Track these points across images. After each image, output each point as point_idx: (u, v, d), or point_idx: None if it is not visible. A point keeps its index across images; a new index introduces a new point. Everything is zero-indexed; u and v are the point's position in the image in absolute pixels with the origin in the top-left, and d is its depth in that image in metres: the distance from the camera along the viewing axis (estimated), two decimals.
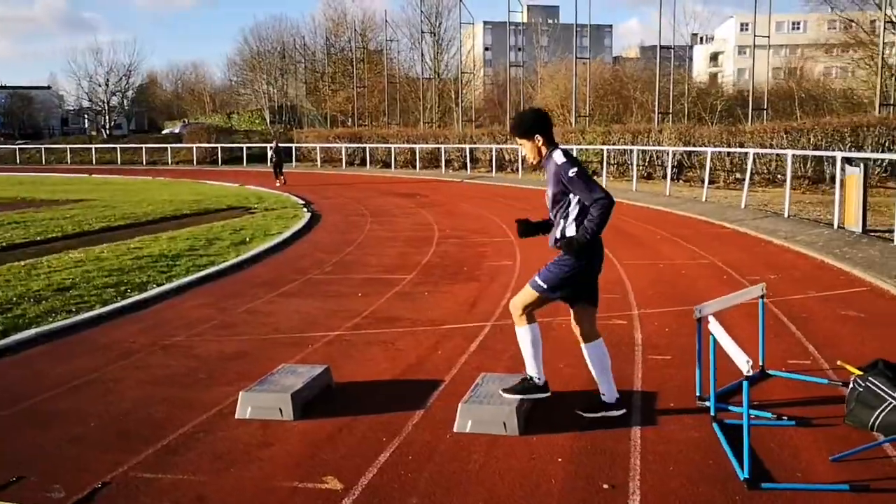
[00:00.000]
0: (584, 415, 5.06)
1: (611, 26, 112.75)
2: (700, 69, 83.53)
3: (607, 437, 4.76)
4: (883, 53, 24.45)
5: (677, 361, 6.33)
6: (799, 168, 22.96)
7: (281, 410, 5.17)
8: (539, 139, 4.92)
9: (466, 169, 35.04)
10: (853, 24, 31.02)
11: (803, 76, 36.53)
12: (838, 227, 13.12)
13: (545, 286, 4.93)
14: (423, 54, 47.68)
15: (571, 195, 4.84)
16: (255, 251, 12.54)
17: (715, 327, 4.77)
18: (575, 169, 4.76)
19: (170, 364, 6.53)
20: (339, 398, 5.58)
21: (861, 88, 27.72)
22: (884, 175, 21.33)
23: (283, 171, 30.62)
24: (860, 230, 12.50)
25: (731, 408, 5.16)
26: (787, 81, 33.36)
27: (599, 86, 35.80)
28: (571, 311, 5.16)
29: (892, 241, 11.30)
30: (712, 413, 4.95)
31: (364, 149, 41.43)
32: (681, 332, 7.26)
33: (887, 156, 19.35)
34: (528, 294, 5.02)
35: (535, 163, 5.03)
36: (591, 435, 4.78)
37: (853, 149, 21.58)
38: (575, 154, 5.02)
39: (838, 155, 14.28)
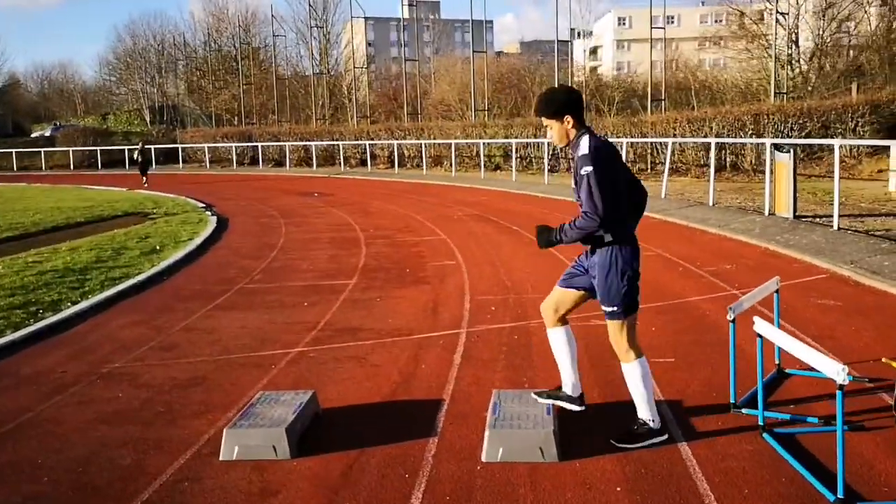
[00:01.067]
0: (622, 445, 4.51)
1: (492, 22, 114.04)
2: (580, 63, 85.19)
3: (656, 457, 4.26)
4: (776, 43, 25.15)
5: (683, 363, 5.94)
6: (701, 157, 23.35)
7: (275, 448, 4.45)
8: (569, 121, 4.38)
9: (367, 166, 34.25)
10: (741, 15, 31.88)
11: (697, 68, 37.43)
12: (769, 213, 13.16)
13: (622, 310, 4.40)
14: (311, 49, 46.48)
15: None
16: (171, 260, 11.52)
17: (766, 328, 4.35)
18: (590, 168, 4.21)
19: (117, 396, 5.67)
20: (332, 428, 4.90)
21: (753, 78, 28.53)
22: None
23: (149, 172, 29.57)
24: (791, 216, 12.56)
25: (774, 415, 4.76)
26: (672, 72, 34.09)
27: (496, 79, 35.63)
28: (560, 293, 4.63)
29: (832, 226, 11.36)
30: (761, 423, 4.53)
31: (255, 148, 39.99)
32: (669, 331, 6.90)
33: (817, 141, 19.84)
34: (615, 329, 4.46)
35: (561, 146, 4.50)
36: (637, 456, 4.28)
37: (754, 135, 22.08)
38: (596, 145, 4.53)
39: (767, 141, 14.38)
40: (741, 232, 11.95)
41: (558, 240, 4.42)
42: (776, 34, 25.44)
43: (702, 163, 23.35)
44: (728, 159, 23.34)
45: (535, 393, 4.76)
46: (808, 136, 21.41)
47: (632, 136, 24.90)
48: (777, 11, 24.51)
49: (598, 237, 4.37)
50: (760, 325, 4.40)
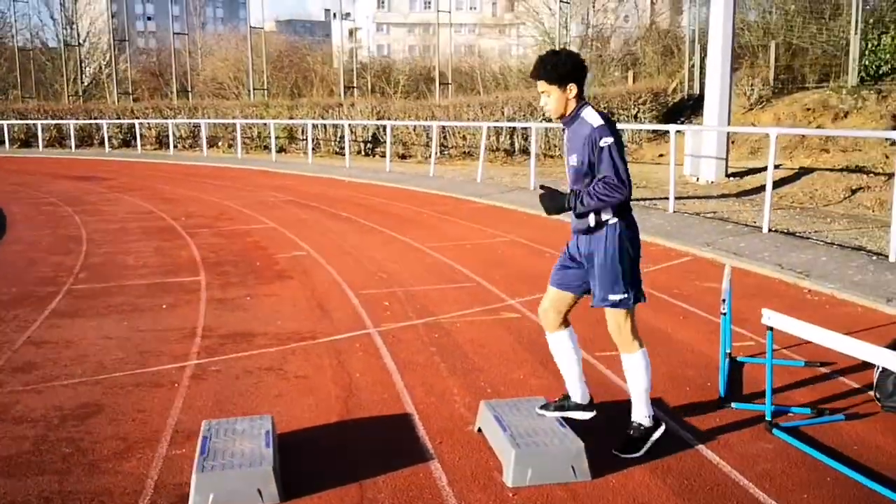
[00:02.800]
0: (628, 456, 4.16)
1: None
2: (339, 45, 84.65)
3: (686, 465, 4.00)
4: (558, 30, 26.10)
5: None
6: (494, 141, 23.80)
7: (260, 493, 3.69)
8: (572, 89, 3.96)
9: (131, 147, 31.68)
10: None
11: (479, 53, 38.14)
12: None
13: (627, 296, 4.02)
14: (61, 17, 42.11)
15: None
16: None
17: (784, 321, 4.20)
18: (611, 140, 3.85)
19: None
20: (298, 457, 4.18)
21: (529, 64, 29.37)
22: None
23: None
24: None
25: (777, 408, 4.63)
26: (459, 57, 34.51)
27: (274, 57, 34.20)
28: (554, 296, 4.27)
29: (667, 209, 11.83)
30: (768, 418, 4.39)
31: None
32: (591, 321, 6.65)
33: (652, 126, 20.72)
34: (619, 317, 4.06)
35: (556, 118, 4.06)
36: (665, 465, 4.00)
37: (544, 120, 22.78)
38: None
39: None
40: None
41: (571, 206, 3.98)
42: (557, 22, 26.42)
43: (494, 147, 23.80)
44: (518, 143, 23.97)
45: (540, 408, 4.30)
46: None
47: (419, 119, 24.88)
48: (561, 0, 25.44)
49: (597, 221, 4.00)
50: (773, 318, 4.25)
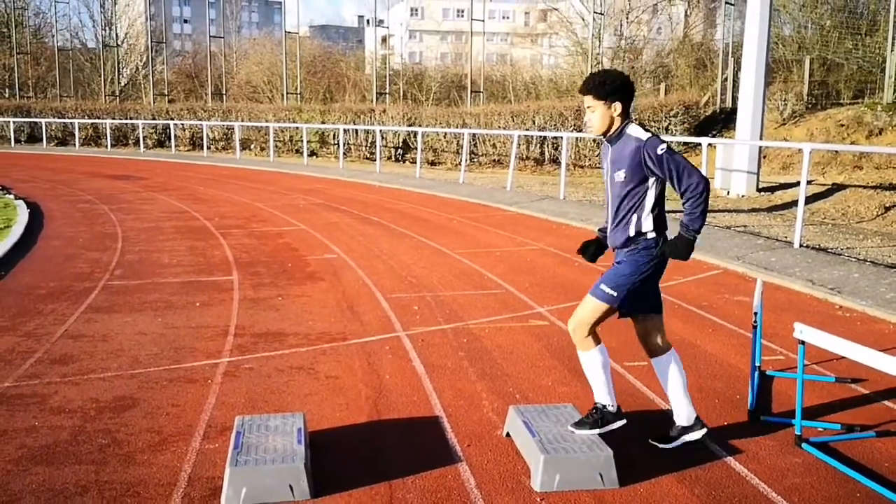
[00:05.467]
0: (661, 446, 4.28)
1: (280, 3, 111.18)
2: (372, 51, 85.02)
3: (714, 476, 4.02)
4: (591, 41, 26.12)
5: None
6: (524, 150, 23.83)
7: (292, 488, 3.76)
8: (618, 107, 4.06)
9: (164, 147, 32.08)
10: (547, 12, 32.88)
11: (511, 62, 38.21)
12: None
13: (615, 294, 4.10)
14: (100, 18, 42.82)
15: (651, 180, 4.02)
16: (0, 252, 9.98)
17: (817, 336, 4.20)
18: (664, 146, 3.97)
19: (33, 426, 4.64)
20: (328, 455, 4.24)
21: (564, 74, 29.52)
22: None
23: None
24: None
25: (808, 423, 4.62)
26: (491, 66, 34.63)
27: (308, 62, 34.51)
28: (636, 326, 4.33)
29: None
30: (798, 432, 4.39)
31: (37, 124, 36.25)
32: (615, 330, 6.70)
33: (686, 139, 20.58)
34: (593, 307, 4.14)
35: (598, 134, 4.14)
36: (693, 475, 4.02)
37: (574, 130, 22.79)
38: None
39: None
40: None
41: (694, 237, 4.07)
42: (591, 33, 26.43)
43: (524, 156, 23.82)
44: (548, 153, 23.99)
45: (573, 426, 4.20)
46: None
47: (450, 127, 24.98)
48: (595, 12, 25.45)
49: (637, 232, 4.11)
50: (805, 332, 4.25)
